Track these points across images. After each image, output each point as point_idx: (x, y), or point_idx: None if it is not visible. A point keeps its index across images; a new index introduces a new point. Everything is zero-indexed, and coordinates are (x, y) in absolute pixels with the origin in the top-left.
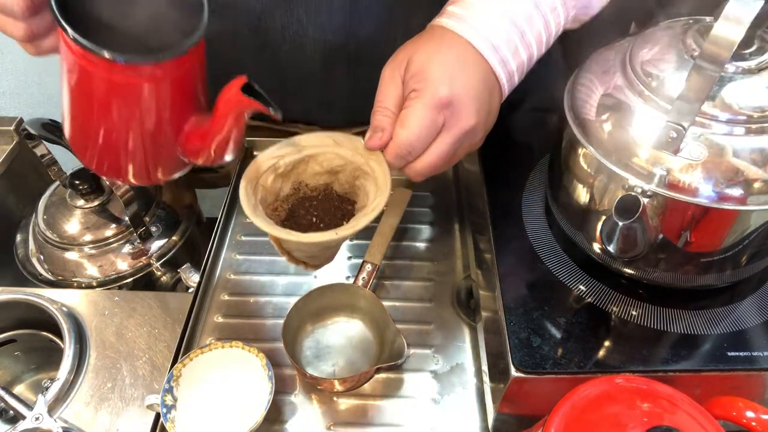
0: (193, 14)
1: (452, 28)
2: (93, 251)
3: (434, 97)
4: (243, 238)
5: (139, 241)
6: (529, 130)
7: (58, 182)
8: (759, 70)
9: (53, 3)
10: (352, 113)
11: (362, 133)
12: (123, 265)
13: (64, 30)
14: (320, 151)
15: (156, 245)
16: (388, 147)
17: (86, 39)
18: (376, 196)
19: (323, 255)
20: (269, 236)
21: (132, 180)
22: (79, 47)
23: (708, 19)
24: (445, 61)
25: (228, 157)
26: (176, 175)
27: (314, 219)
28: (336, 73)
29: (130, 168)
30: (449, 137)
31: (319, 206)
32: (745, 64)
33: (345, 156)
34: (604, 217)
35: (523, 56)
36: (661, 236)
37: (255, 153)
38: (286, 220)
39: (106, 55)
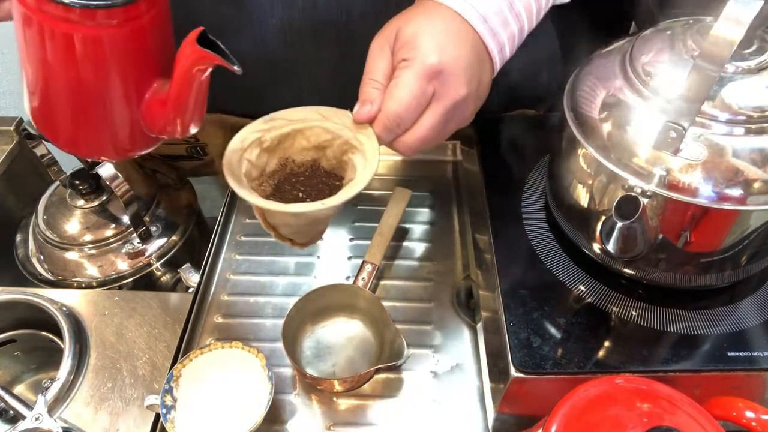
0: None
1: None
2: (93, 251)
3: (424, 65)
4: (243, 238)
5: (139, 241)
6: (529, 130)
7: (58, 182)
8: (759, 70)
9: None
10: (343, 100)
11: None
12: (123, 265)
13: None
14: (307, 125)
15: (156, 245)
16: (377, 119)
17: None
18: (364, 169)
19: (311, 231)
20: (254, 209)
21: (102, 157)
22: None
23: (708, 19)
24: (434, 32)
25: (193, 129)
26: (148, 150)
27: (300, 194)
28: (327, 58)
29: (97, 143)
30: (440, 108)
31: (306, 182)
32: (745, 64)
33: (332, 130)
34: (604, 217)
35: (514, 27)
36: (660, 236)
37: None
38: (271, 195)
39: None
